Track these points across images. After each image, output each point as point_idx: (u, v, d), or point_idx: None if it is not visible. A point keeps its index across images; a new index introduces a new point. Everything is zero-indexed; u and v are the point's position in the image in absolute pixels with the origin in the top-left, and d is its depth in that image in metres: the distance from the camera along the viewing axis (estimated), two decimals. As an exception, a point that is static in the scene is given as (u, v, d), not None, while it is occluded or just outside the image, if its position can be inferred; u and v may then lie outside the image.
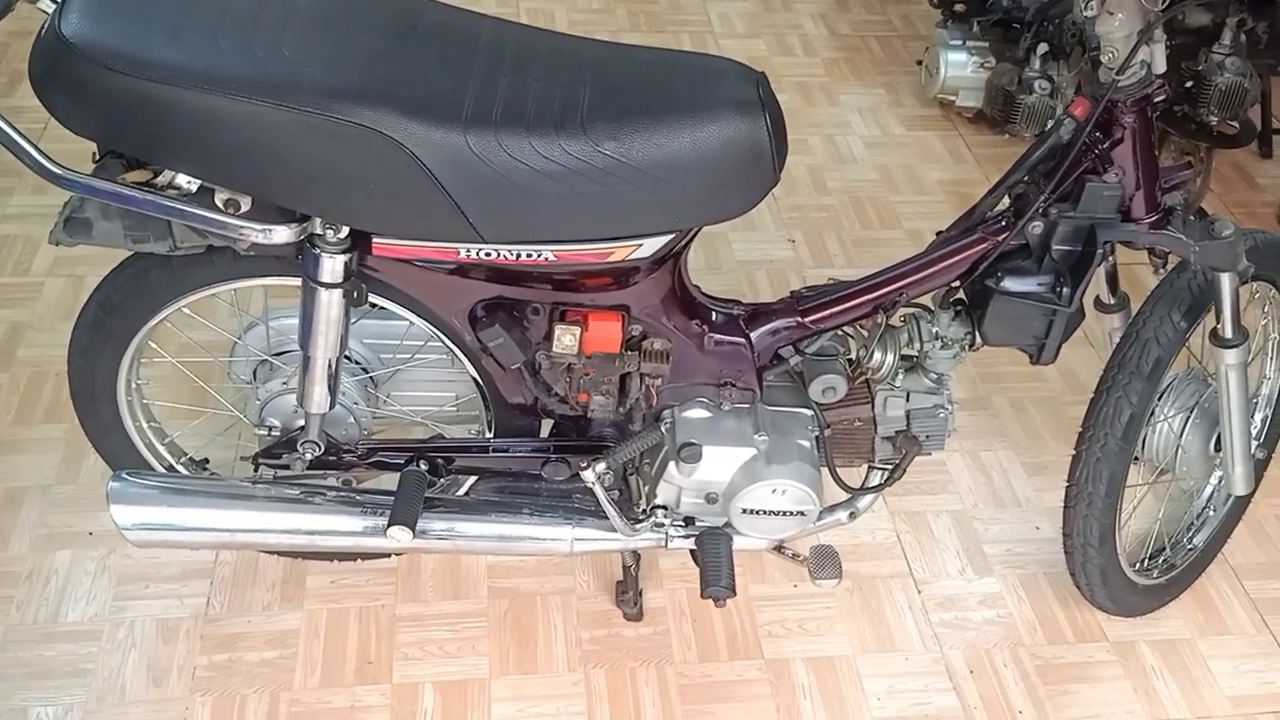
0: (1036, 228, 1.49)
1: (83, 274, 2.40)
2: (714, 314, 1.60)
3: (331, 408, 1.56)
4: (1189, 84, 2.48)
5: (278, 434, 1.67)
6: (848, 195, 2.85)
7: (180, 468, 1.78)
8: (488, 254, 1.39)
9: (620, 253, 1.42)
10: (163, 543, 1.59)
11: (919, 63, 3.22)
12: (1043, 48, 2.84)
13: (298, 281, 1.48)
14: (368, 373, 1.72)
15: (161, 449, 1.75)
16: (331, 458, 1.65)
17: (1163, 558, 1.94)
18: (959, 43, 3.03)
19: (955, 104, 3.08)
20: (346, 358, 1.70)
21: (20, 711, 1.69)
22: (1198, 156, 2.62)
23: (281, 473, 1.66)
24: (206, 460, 1.83)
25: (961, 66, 3.02)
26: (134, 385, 1.65)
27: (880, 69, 3.35)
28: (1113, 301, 1.70)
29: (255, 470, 1.65)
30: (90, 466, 2.02)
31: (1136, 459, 1.77)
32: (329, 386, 1.52)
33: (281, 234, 1.34)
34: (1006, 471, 2.20)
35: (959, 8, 3.08)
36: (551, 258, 1.41)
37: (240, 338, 1.69)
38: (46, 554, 1.90)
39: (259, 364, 1.70)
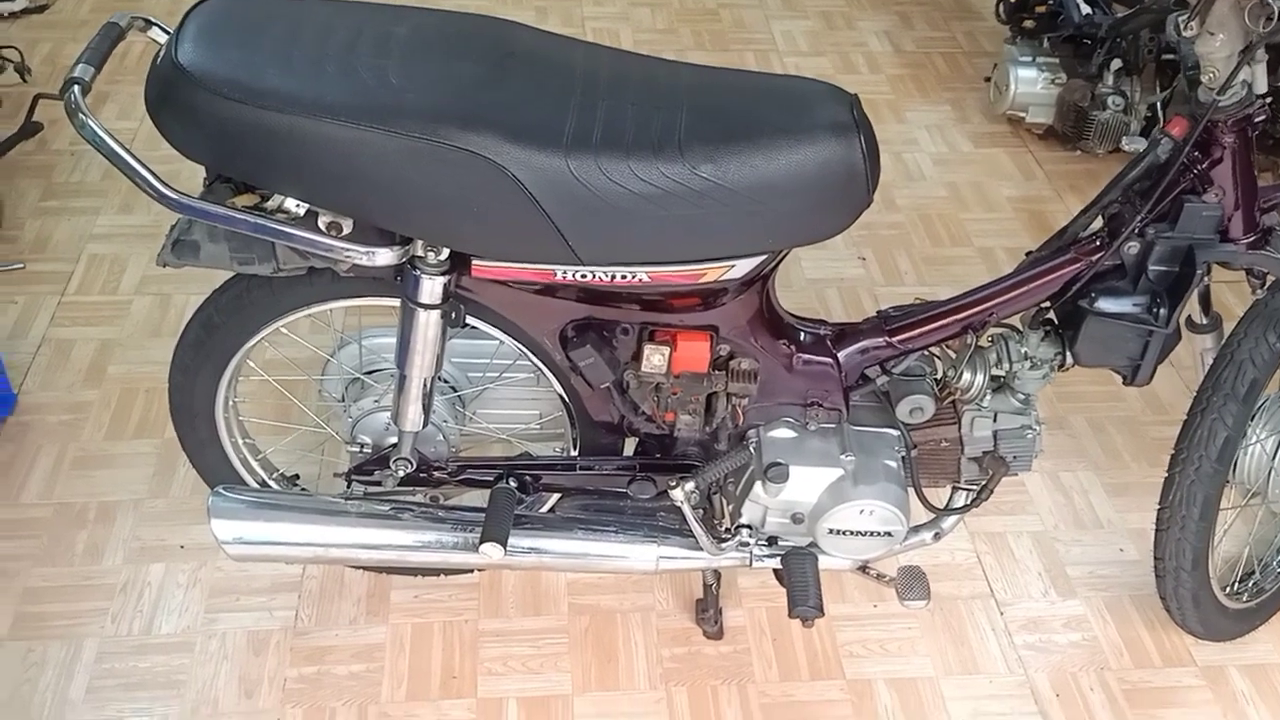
0: (1133, 248, 1.48)
1: (169, 292, 2.46)
2: (801, 334, 1.61)
3: (425, 426, 1.58)
4: (1270, 99, 2.44)
5: (369, 451, 1.70)
6: (917, 212, 2.84)
7: (272, 483, 1.81)
8: (583, 275, 1.41)
9: (713, 274, 1.43)
10: (260, 557, 1.62)
11: (987, 79, 3.20)
12: (1116, 64, 2.82)
13: (393, 302, 1.52)
14: (456, 391, 1.75)
15: (255, 464, 1.78)
16: (422, 475, 1.68)
17: (1252, 581, 1.91)
18: (1029, 59, 3.02)
19: (1025, 120, 3.06)
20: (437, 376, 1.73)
21: (117, 722, 1.73)
22: (1276, 172, 2.58)
23: (372, 489, 1.68)
24: (296, 476, 1.86)
25: (1031, 83, 3.00)
26: (231, 403, 1.69)
27: (946, 85, 3.34)
28: (1205, 321, 1.68)
29: (348, 486, 1.68)
30: (181, 480, 2.07)
31: (1227, 481, 1.75)
32: (423, 405, 1.55)
33: (384, 256, 1.37)
34: (1087, 492, 2.17)
35: (1029, 24, 3.07)
36: (645, 279, 1.42)
37: (333, 355, 1.72)
38: (140, 567, 1.94)
39: (350, 382, 1.73)
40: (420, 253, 1.40)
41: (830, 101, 1.39)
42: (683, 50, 3.43)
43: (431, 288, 1.42)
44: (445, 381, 1.74)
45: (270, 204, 1.34)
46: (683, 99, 1.37)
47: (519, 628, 1.89)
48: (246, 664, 1.81)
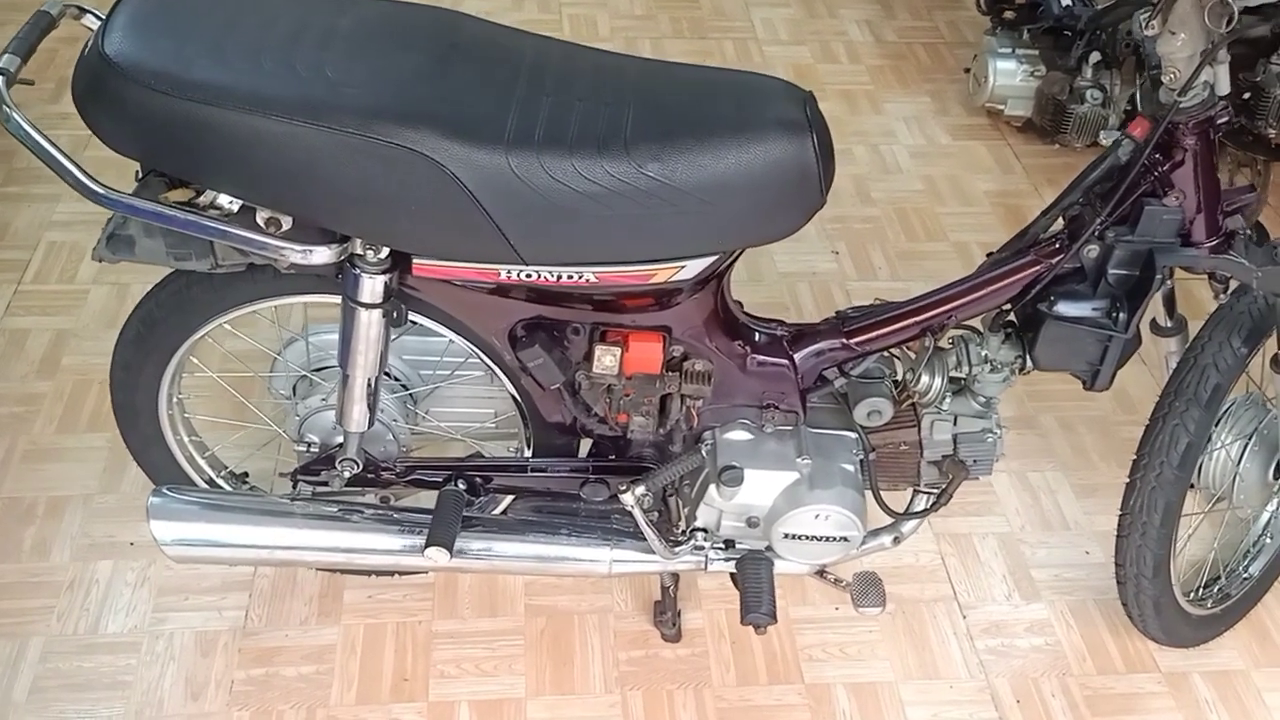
0: (1092, 251, 1.45)
1: (128, 283, 2.41)
2: (757, 335, 1.58)
3: (370, 426, 1.55)
4: (1246, 95, 2.41)
5: (316, 450, 1.66)
6: (892, 206, 2.81)
7: (221, 481, 1.78)
8: (528, 275, 1.37)
9: (663, 274, 1.40)
10: (201, 559, 1.59)
11: (967, 70, 3.16)
12: (1095, 56, 2.78)
13: (338, 299, 1.48)
14: (407, 389, 1.71)
15: (202, 462, 1.75)
16: (370, 475, 1.64)
17: (1218, 587, 1.89)
18: (1008, 50, 2.97)
19: (1004, 113, 3.02)
20: (385, 374, 1.69)
21: (60, 723, 1.70)
22: (1255, 170, 2.55)
23: (320, 490, 1.65)
24: (246, 474, 1.82)
25: (1011, 75, 2.96)
26: (175, 400, 1.65)
27: (927, 76, 3.29)
28: (1169, 325, 1.65)
29: (294, 487, 1.64)
30: (132, 477, 2.03)
31: (1192, 486, 1.72)
32: (368, 405, 1.51)
33: (321, 254, 1.33)
34: (1055, 493, 2.15)
35: (1009, 15, 3.02)
36: (593, 279, 1.39)
37: (280, 353, 1.68)
38: (88, 564, 1.91)
39: (299, 380, 1.70)
40: (359, 251, 1.36)
41: (783, 98, 1.35)
42: (660, 38, 3.39)
43: (372, 286, 1.39)
44: (396, 379, 1.70)
45: (202, 200, 1.30)
46: (631, 95, 1.33)
47: (474, 629, 1.86)
48: (194, 665, 1.78)
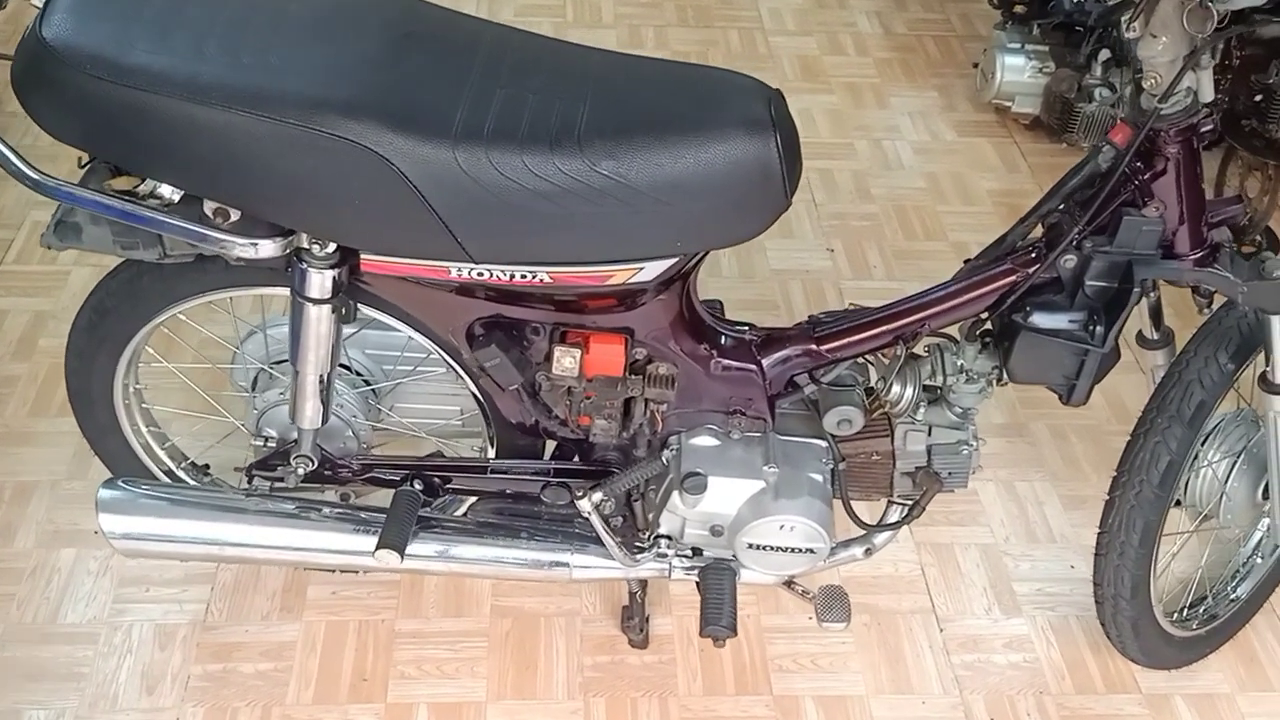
0: (1069, 261, 1.39)
1: (110, 264, 2.37)
2: (724, 338, 1.53)
3: (324, 423, 1.51)
4: (1258, 98, 2.33)
5: (274, 445, 1.63)
6: (892, 204, 2.74)
7: (181, 473, 1.75)
8: (479, 274, 1.33)
9: (620, 276, 1.35)
10: (151, 553, 1.56)
11: (975, 65, 3.09)
12: (1105, 54, 2.70)
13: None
14: (369, 384, 1.67)
15: (161, 453, 1.72)
16: (326, 473, 1.61)
17: (1204, 607, 1.82)
18: (1017, 46, 2.90)
19: (1011, 110, 2.95)
20: (346, 368, 1.66)
21: (12, 714, 1.68)
22: (1265, 174, 2.47)
23: (276, 485, 1.61)
24: (208, 466, 1.79)
25: (1019, 71, 2.89)
26: (131, 389, 1.62)
27: (935, 70, 3.22)
28: (1156, 337, 1.59)
29: (249, 482, 1.61)
30: (100, 464, 2.00)
31: (1179, 503, 1.66)
32: (321, 402, 1.47)
33: (267, 248, 1.29)
34: (1042, 504, 2.09)
35: (1019, 9, 2.95)
36: (547, 279, 1.34)
37: (238, 346, 1.65)
38: (51, 551, 1.89)
39: (258, 372, 1.66)
40: (305, 245, 1.32)
41: (747, 96, 1.30)
42: (664, 25, 3.33)
43: (320, 282, 1.35)
44: (358, 374, 1.67)
45: (142, 189, 1.26)
46: (588, 89, 1.28)
47: (437, 629, 1.83)
48: (151, 659, 1.75)
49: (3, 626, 1.78)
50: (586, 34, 3.25)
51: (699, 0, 3.45)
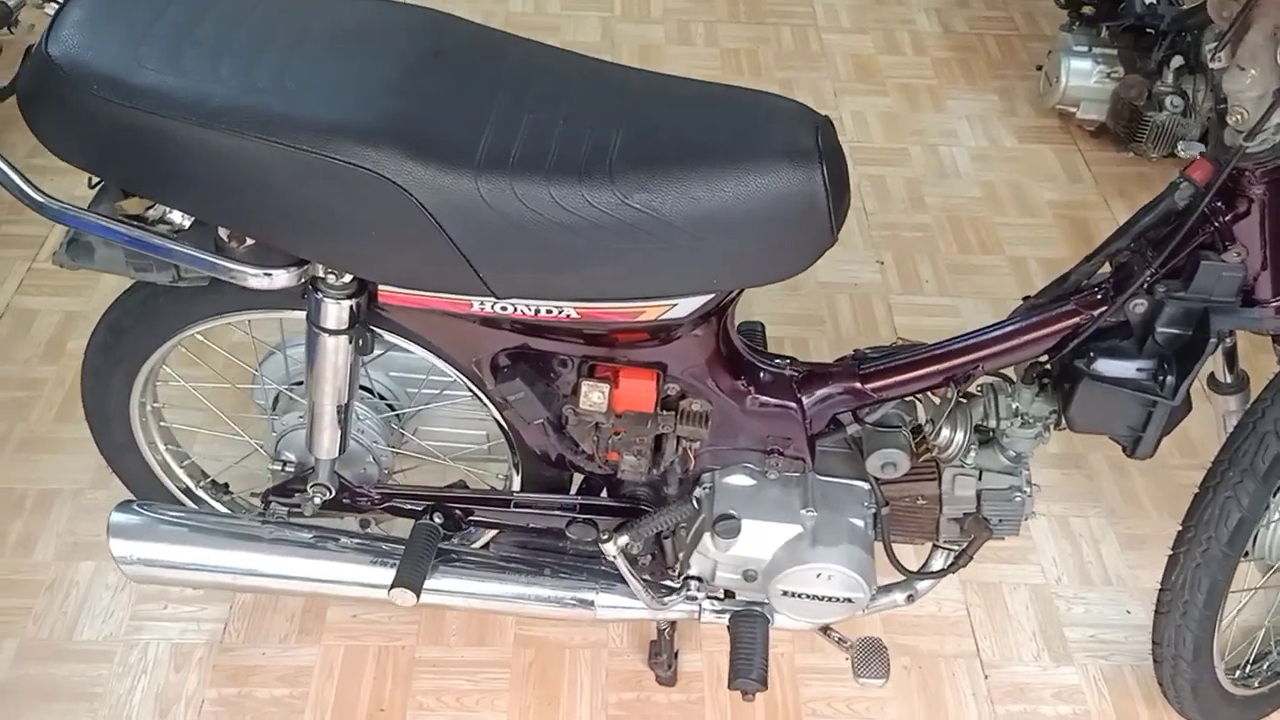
0: (1139, 305, 1.28)
1: (139, 265, 2.34)
2: (762, 374, 1.44)
3: (343, 452, 1.45)
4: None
5: (292, 470, 1.57)
6: (946, 214, 2.63)
7: (200, 491, 1.70)
8: (503, 308, 1.26)
9: (652, 312, 1.27)
10: (161, 580, 1.51)
11: (1039, 68, 2.95)
12: (1177, 61, 2.56)
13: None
14: (393, 409, 1.61)
15: (180, 471, 1.67)
16: (345, 501, 1.55)
17: (1268, 663, 1.71)
18: (1084, 49, 2.77)
19: (1076, 116, 2.82)
20: (369, 391, 1.60)
21: (24, 735, 1.65)
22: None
23: (294, 512, 1.56)
24: (228, 485, 1.74)
25: (1085, 75, 2.75)
26: (149, 408, 1.57)
27: (996, 72, 3.09)
28: (1229, 381, 1.48)
29: (265, 508, 1.55)
30: (123, 473, 1.96)
31: (1246, 554, 1.55)
32: (339, 432, 1.41)
33: (281, 278, 1.23)
34: (1098, 543, 1.98)
35: (1087, 9, 2.81)
36: (574, 315, 1.26)
37: (258, 367, 1.59)
38: (70, 564, 1.85)
39: (278, 393, 1.60)
40: (321, 274, 1.25)
41: (792, 123, 1.21)
42: (715, 22, 3.22)
43: (337, 312, 1.28)
44: (381, 398, 1.60)
45: (152, 213, 1.20)
46: (622, 115, 1.20)
47: (459, 658, 1.77)
48: (166, 680, 1.71)
49: (19, 642, 1.75)
50: (634, 29, 3.16)
51: (751, -5, 3.34)
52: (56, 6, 1.28)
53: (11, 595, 1.80)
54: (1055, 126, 2.90)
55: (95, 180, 1.25)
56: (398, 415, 1.62)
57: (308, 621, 1.80)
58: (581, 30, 3.15)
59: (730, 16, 3.25)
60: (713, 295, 1.27)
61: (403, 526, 1.54)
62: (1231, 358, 1.47)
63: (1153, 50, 2.63)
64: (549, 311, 1.26)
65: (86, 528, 1.90)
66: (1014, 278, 2.47)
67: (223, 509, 1.71)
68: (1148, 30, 2.68)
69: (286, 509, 1.55)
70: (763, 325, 1.72)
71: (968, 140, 2.86)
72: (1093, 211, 2.66)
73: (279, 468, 1.57)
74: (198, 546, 1.48)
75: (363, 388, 1.59)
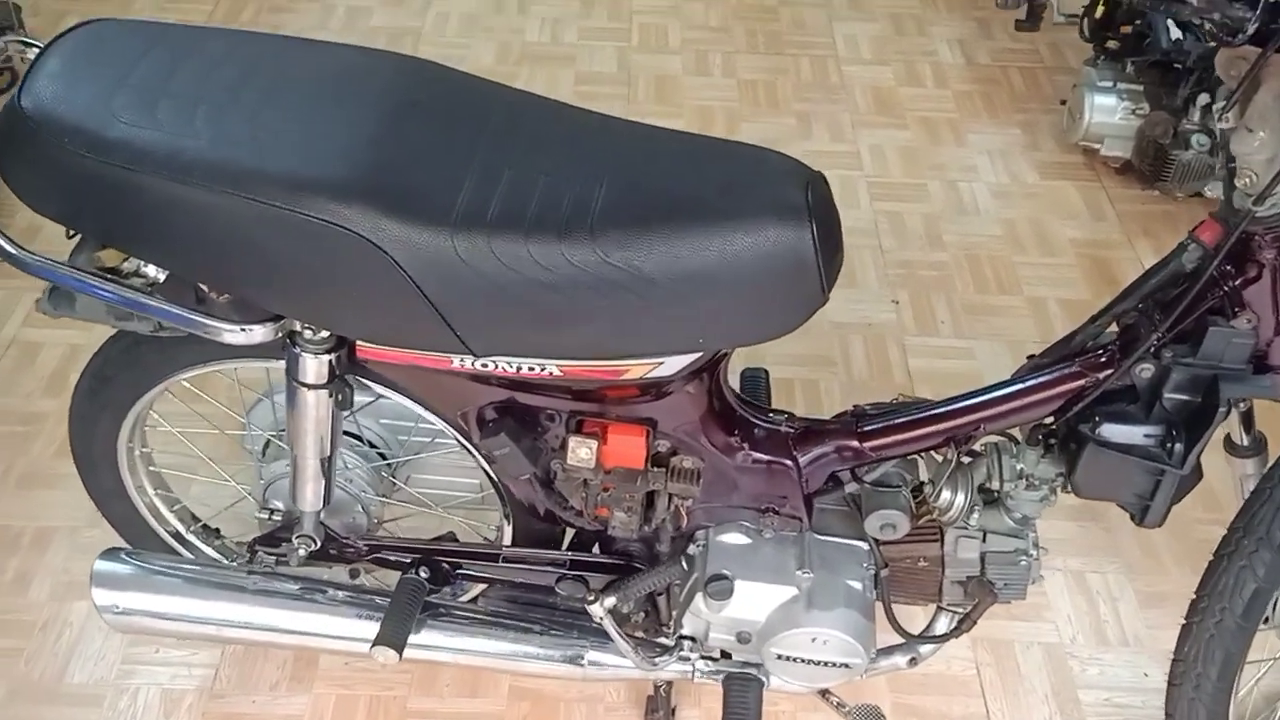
0: (1146, 370, 1.23)
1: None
2: (757, 430, 1.40)
3: (327, 504, 1.42)
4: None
5: (279, 519, 1.54)
6: (964, 251, 2.57)
7: (191, 536, 1.68)
8: (484, 365, 1.22)
9: (637, 370, 1.23)
10: (144, 630, 1.49)
11: (1063, 102, 2.90)
12: (1204, 98, 2.50)
13: (293, 368, 1.35)
14: (384, 457, 1.58)
15: (170, 516, 1.65)
16: (332, 551, 1.52)
17: (1289, 734, 1.64)
18: (1109, 84, 2.70)
19: (1100, 152, 2.75)
20: (358, 438, 1.57)
21: (9, 781, 1.63)
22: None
23: (280, 561, 1.53)
24: (219, 530, 1.72)
25: (1110, 111, 2.69)
26: (136, 453, 1.55)
27: (1019, 105, 3.03)
28: (1246, 444, 1.41)
29: (250, 559, 1.53)
30: (119, 513, 1.95)
31: (1267, 620, 1.48)
32: (322, 484, 1.38)
33: (258, 334, 1.20)
34: (1116, 600, 1.91)
35: (1112, 44, 2.75)
36: (557, 372, 1.23)
37: (245, 414, 1.57)
38: (64, 604, 1.83)
39: (268, 440, 1.58)
40: (299, 329, 1.23)
41: (782, 179, 1.17)
42: (733, 52, 3.19)
43: (316, 367, 1.26)
44: (371, 445, 1.57)
45: (126, 267, 1.18)
46: (605, 169, 1.16)
47: (451, 710, 1.73)
48: (153, 728, 1.69)
49: (9, 683, 1.73)
50: (650, 59, 3.14)
51: (771, 25, 3.31)
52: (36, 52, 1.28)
53: (4, 636, 1.79)
54: (1079, 163, 2.84)
55: (73, 231, 1.23)
56: (388, 464, 1.58)
57: (299, 669, 1.77)
58: (597, 60, 3.13)
59: (749, 47, 3.22)
60: (700, 354, 1.23)
61: (394, 578, 1.51)
62: (1248, 420, 1.41)
63: (1179, 87, 2.57)
64: (531, 369, 1.23)
65: (82, 567, 1.88)
66: (1033, 319, 2.41)
67: (214, 554, 1.69)
68: (1174, 66, 2.62)
69: (274, 558, 1.53)
70: (766, 373, 1.68)
71: (988, 176, 2.80)
72: (1116, 251, 2.60)
73: (266, 516, 1.54)
74: (182, 597, 1.46)
75: (353, 435, 1.56)
